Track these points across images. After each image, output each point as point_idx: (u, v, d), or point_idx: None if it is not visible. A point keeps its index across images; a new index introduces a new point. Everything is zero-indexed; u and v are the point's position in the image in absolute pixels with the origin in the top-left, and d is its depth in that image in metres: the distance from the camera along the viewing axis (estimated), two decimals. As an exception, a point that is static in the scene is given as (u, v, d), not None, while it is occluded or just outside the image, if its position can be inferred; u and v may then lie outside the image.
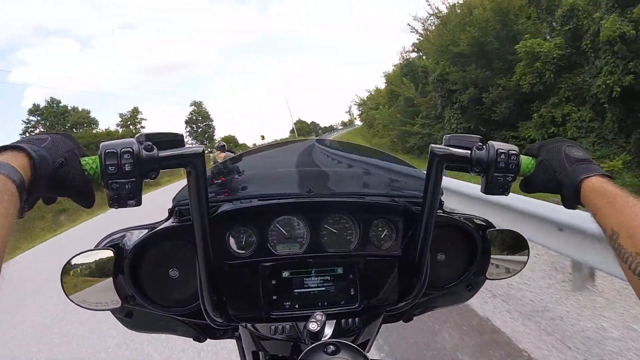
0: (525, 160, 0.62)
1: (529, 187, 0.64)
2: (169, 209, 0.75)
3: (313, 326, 0.63)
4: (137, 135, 0.53)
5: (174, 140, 0.54)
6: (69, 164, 0.49)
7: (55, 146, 0.49)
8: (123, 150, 0.50)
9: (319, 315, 0.64)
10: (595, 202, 0.53)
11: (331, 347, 0.56)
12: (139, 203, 0.52)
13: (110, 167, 0.49)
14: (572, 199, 0.57)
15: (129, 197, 0.51)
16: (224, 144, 9.02)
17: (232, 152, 8.93)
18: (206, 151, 0.61)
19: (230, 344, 2.57)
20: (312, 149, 1.02)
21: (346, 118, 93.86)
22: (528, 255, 0.82)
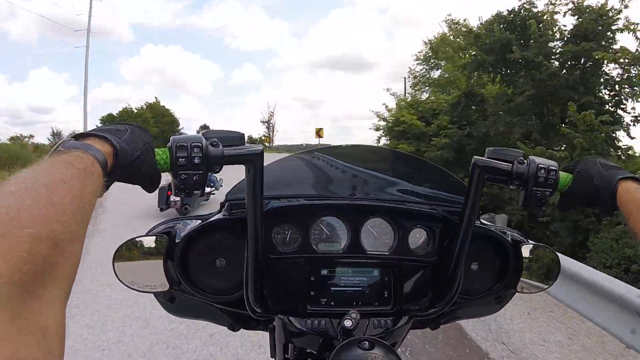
0: (563, 176, 0.65)
1: (567, 204, 0.67)
2: (221, 203, 0.80)
3: (348, 323, 0.66)
4: (203, 132, 0.58)
5: (236, 137, 0.59)
6: (145, 156, 0.53)
7: (134, 138, 0.53)
8: (193, 144, 0.55)
9: (354, 314, 0.67)
10: (629, 206, 0.57)
11: (366, 343, 0.59)
12: (202, 194, 0.58)
13: (180, 159, 0.55)
14: (609, 203, 0.61)
15: (194, 187, 0.56)
16: None
17: None
18: None
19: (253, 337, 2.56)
20: (355, 153, 1.06)
21: (258, 132, 52.12)
22: (559, 272, 0.83)
